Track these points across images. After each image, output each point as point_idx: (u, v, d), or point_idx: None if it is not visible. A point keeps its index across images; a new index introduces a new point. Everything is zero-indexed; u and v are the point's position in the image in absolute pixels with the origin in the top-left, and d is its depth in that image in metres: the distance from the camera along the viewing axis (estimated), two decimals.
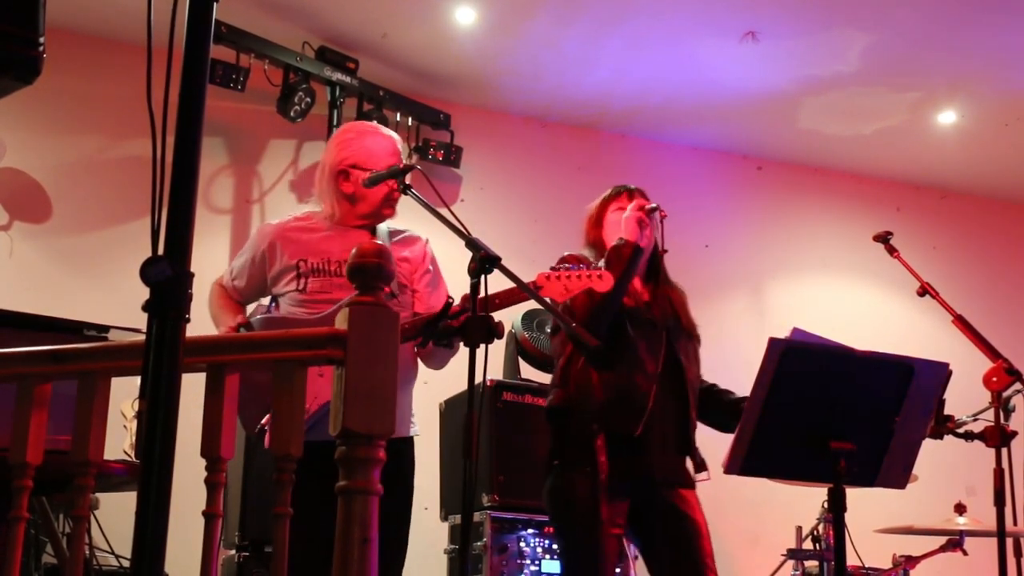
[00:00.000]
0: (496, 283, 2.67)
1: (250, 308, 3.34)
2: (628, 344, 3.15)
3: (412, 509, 3.16)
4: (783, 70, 5.52)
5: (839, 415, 2.73)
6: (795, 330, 2.89)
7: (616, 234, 3.23)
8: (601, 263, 3.11)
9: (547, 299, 2.87)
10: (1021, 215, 7.04)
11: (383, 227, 3.23)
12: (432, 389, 4.52)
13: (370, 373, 1.75)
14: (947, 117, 5.96)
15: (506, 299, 2.88)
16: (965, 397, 3.50)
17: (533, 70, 5.61)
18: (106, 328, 3.26)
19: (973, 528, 4.03)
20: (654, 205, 3.24)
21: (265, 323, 3.14)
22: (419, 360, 3.14)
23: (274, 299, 3.22)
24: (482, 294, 2.59)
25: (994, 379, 3.23)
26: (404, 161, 3.15)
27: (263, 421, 2.98)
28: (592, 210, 3.41)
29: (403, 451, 3.10)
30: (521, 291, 2.84)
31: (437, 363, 3.12)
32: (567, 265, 2.91)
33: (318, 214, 3.23)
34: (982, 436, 3.27)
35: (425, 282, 3.17)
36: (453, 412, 4.57)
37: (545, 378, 4.72)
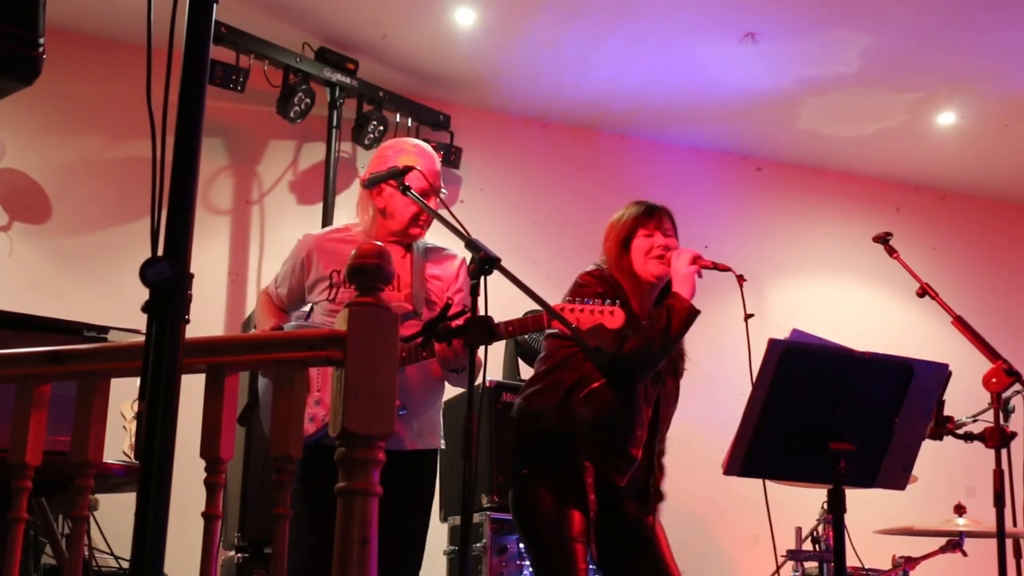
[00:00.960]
0: (495, 284, 2.67)
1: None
2: (634, 391, 3.12)
3: (428, 521, 3.20)
4: (783, 71, 5.52)
5: (839, 416, 2.73)
6: (794, 331, 2.89)
7: (641, 259, 3.20)
8: (659, 315, 3.04)
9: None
10: (1021, 216, 7.04)
11: (420, 243, 3.26)
12: None
13: (370, 374, 1.75)
14: (947, 118, 5.97)
15: (519, 327, 2.88)
16: (965, 398, 3.50)
17: (533, 71, 5.61)
18: (105, 329, 3.26)
19: (973, 529, 4.03)
20: (725, 267, 3.13)
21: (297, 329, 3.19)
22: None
23: (309, 307, 3.29)
24: (481, 295, 2.59)
25: (994, 380, 3.23)
26: (441, 185, 3.17)
27: None
28: (619, 227, 3.27)
29: (428, 462, 3.16)
30: (533, 321, 2.86)
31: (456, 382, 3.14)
32: (581, 299, 2.88)
33: (357, 227, 3.27)
34: (982, 437, 3.27)
35: (456, 301, 3.15)
36: (453, 413, 4.55)
37: None
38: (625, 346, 3.00)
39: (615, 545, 3.13)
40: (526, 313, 3.04)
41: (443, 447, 3.23)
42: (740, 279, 3.07)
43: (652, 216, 3.26)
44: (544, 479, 3.07)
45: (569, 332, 2.87)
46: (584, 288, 3.12)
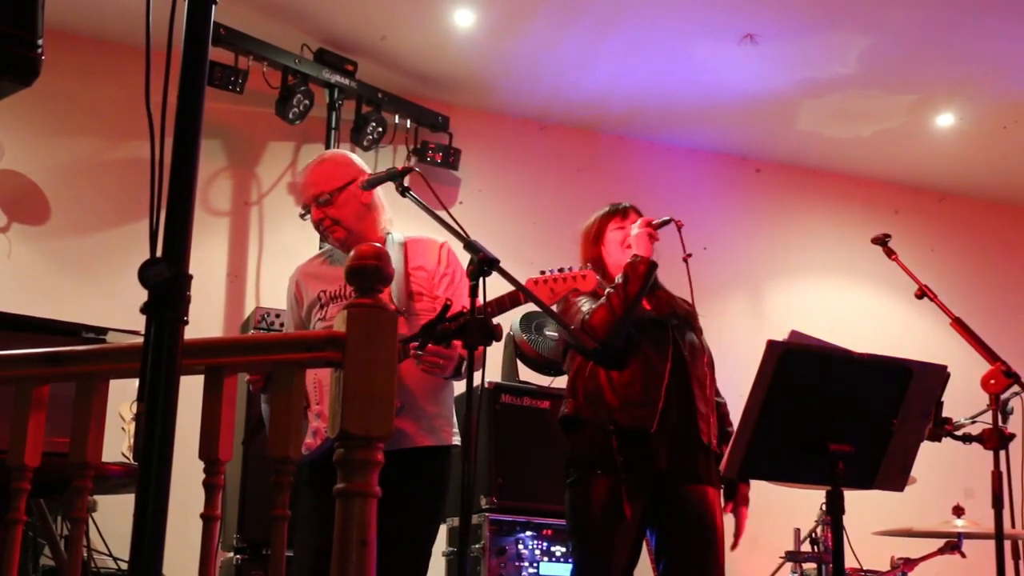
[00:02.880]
0: (494, 285, 2.67)
1: None
2: (635, 346, 3.22)
3: (439, 519, 3.21)
4: (782, 72, 5.53)
5: (837, 417, 2.72)
6: (793, 332, 2.88)
7: (616, 252, 3.36)
8: (619, 278, 3.21)
9: (543, 302, 2.87)
10: (1019, 217, 7.04)
11: (398, 236, 3.27)
12: None
13: (369, 375, 1.74)
14: (945, 120, 5.97)
15: (496, 307, 2.91)
16: (963, 399, 3.50)
17: (532, 72, 5.61)
18: (104, 330, 3.26)
19: (971, 530, 4.03)
20: (666, 218, 3.31)
21: None
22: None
23: None
24: (480, 296, 2.59)
25: (992, 381, 3.23)
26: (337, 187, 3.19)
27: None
28: (590, 228, 3.47)
29: (439, 458, 3.11)
30: (510, 299, 2.90)
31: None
32: (552, 269, 2.98)
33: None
34: (980, 438, 3.27)
35: (444, 285, 3.19)
36: None
37: (543, 380, 4.73)
38: (592, 313, 3.18)
39: (669, 522, 3.20)
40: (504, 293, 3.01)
41: (457, 442, 3.19)
42: (679, 224, 3.30)
43: (618, 211, 3.45)
44: (587, 471, 3.17)
45: (549, 311, 2.93)
46: (571, 295, 3.24)
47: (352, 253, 1.82)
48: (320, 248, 3.75)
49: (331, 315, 3.15)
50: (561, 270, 2.97)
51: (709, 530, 3.20)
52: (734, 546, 3.36)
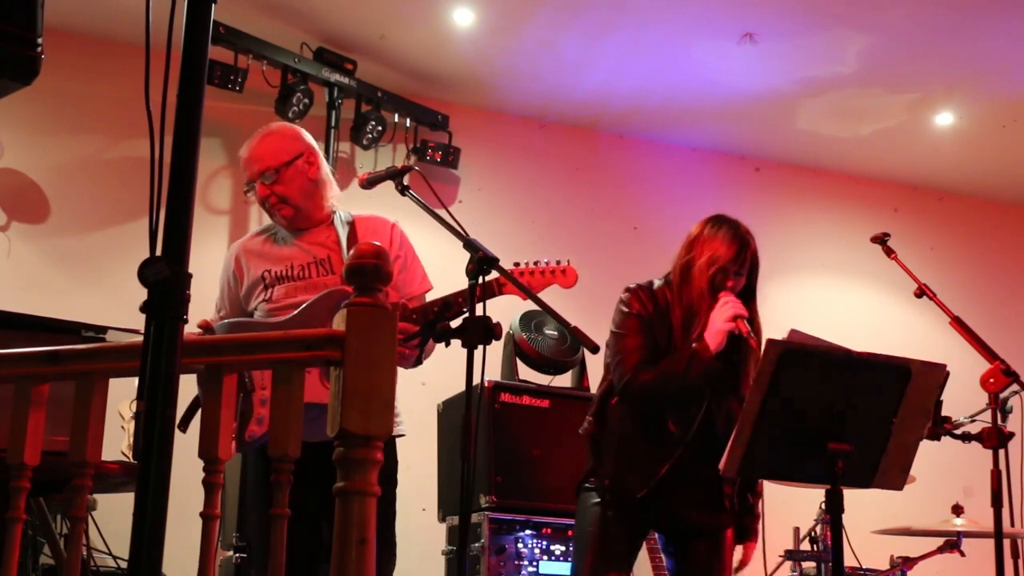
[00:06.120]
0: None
1: None
2: (658, 410, 3.13)
3: (395, 510, 3.16)
4: (781, 71, 5.53)
5: (837, 416, 2.73)
6: (792, 331, 2.88)
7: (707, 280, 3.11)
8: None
9: (543, 300, 2.86)
10: (1018, 216, 7.04)
11: (344, 215, 3.20)
12: (430, 390, 4.54)
13: (368, 374, 1.75)
14: (945, 119, 5.97)
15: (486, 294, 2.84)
16: (962, 398, 3.50)
17: (531, 71, 5.61)
18: (104, 329, 3.26)
19: (970, 529, 4.03)
20: (755, 343, 3.00)
21: (229, 327, 3.10)
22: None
23: (250, 316, 3.20)
24: (479, 294, 2.60)
25: (991, 380, 3.24)
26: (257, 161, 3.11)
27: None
28: (710, 259, 3.15)
29: (387, 448, 3.08)
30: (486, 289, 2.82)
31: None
32: (527, 261, 2.91)
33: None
34: (979, 437, 3.27)
35: (396, 270, 3.09)
36: (451, 413, 4.57)
37: (543, 379, 4.73)
38: (641, 375, 3.05)
39: (677, 564, 3.20)
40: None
41: (404, 434, 3.18)
42: (753, 342, 3.00)
43: (740, 254, 3.17)
44: (593, 484, 3.15)
45: (548, 309, 2.87)
46: (623, 306, 3.14)
47: (352, 252, 1.82)
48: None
49: (277, 298, 3.09)
50: (537, 263, 2.92)
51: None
52: (737, 570, 3.33)
